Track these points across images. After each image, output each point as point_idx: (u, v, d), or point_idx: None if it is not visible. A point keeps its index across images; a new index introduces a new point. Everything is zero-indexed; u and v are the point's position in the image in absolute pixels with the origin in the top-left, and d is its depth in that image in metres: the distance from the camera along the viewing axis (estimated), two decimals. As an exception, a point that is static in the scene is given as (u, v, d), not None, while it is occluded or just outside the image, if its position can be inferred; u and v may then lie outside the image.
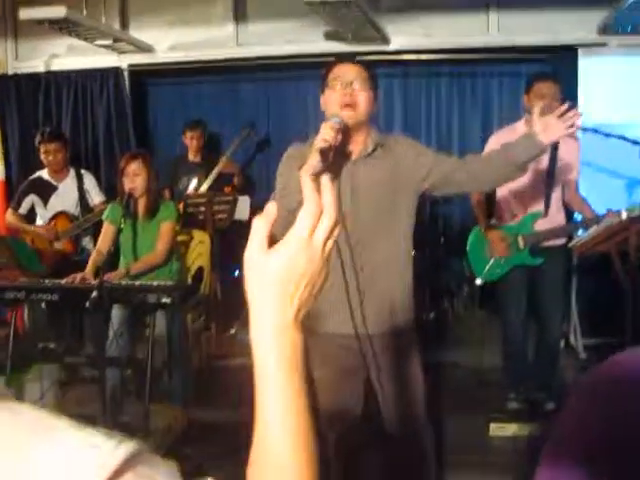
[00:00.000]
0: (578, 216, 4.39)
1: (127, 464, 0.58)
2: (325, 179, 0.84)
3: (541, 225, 3.92)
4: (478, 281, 4.03)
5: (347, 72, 2.51)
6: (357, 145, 2.56)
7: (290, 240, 0.81)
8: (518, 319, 4.01)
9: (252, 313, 0.83)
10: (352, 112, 2.45)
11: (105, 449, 0.58)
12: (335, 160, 2.38)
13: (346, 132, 2.44)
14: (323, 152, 2.27)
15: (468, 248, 4.09)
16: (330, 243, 0.83)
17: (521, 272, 3.95)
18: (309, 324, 2.35)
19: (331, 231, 0.82)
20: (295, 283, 0.81)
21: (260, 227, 0.82)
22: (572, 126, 2.52)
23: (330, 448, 2.69)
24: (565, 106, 2.54)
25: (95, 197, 5.02)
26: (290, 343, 0.81)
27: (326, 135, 2.30)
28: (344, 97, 2.46)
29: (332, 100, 2.50)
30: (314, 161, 2.29)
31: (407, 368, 2.67)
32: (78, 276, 3.75)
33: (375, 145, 2.56)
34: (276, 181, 2.60)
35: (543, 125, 2.49)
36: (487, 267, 3.96)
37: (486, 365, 4.59)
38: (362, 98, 2.49)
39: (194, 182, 5.57)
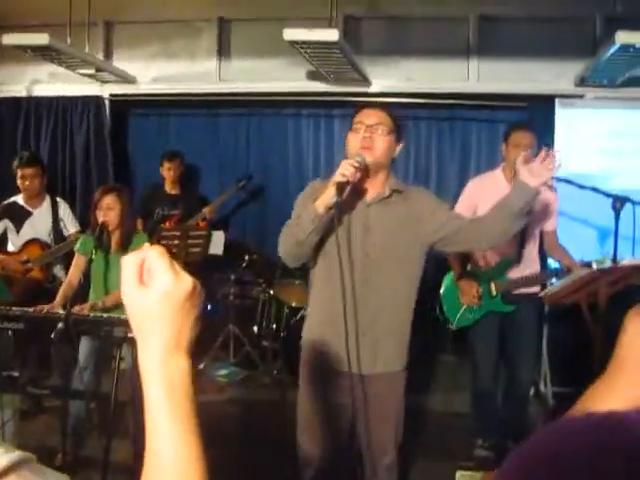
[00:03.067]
0: (552, 264, 4.43)
1: (11, 469, 0.63)
2: None
3: (514, 273, 3.95)
4: (451, 327, 4.05)
5: (370, 116, 2.59)
6: (374, 188, 2.62)
7: (160, 275, 0.85)
8: (488, 365, 4.02)
9: (138, 344, 0.87)
10: (370, 154, 2.52)
11: None
12: (350, 199, 2.45)
13: (364, 174, 2.52)
14: (339, 186, 2.34)
15: (442, 293, 4.11)
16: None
17: (493, 318, 3.97)
18: (307, 355, 2.37)
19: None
20: (172, 313, 0.85)
21: (130, 263, 0.86)
22: (554, 168, 2.58)
23: None
24: (545, 151, 2.61)
25: (70, 226, 4.97)
26: (175, 370, 0.85)
27: (345, 170, 2.37)
28: (364, 140, 2.55)
29: (353, 142, 2.58)
30: (329, 194, 2.35)
31: (393, 410, 2.72)
32: (46, 307, 3.70)
33: (392, 191, 2.61)
34: (292, 210, 2.69)
35: (528, 171, 2.56)
36: (459, 313, 3.98)
37: (454, 410, 4.58)
38: (381, 142, 2.57)
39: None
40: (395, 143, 2.63)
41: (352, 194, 2.48)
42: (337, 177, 2.37)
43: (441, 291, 4.12)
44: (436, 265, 5.71)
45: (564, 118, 5.27)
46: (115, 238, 3.95)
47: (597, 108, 5.31)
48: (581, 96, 5.34)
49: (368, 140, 2.54)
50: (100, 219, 3.86)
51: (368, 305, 2.59)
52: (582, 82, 5.22)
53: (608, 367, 0.94)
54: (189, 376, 0.86)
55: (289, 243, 2.54)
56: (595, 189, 3.50)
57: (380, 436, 2.70)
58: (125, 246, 3.94)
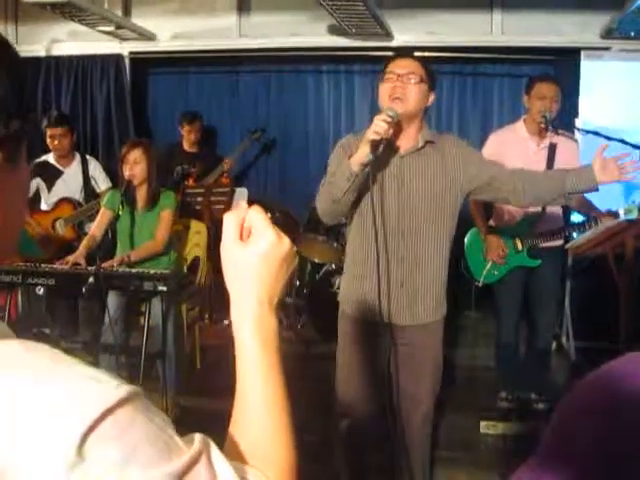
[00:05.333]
0: (577, 218, 4.40)
1: (127, 399, 0.66)
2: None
3: (539, 227, 3.93)
4: (477, 283, 4.05)
5: (401, 66, 2.56)
6: (407, 140, 2.60)
7: (261, 235, 0.88)
8: (513, 320, 4.02)
9: (232, 300, 0.89)
10: (402, 104, 2.49)
11: (108, 385, 0.66)
12: (384, 153, 2.43)
13: (397, 127, 2.49)
14: (373, 144, 2.33)
15: (465, 250, 4.10)
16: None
17: (518, 273, 3.96)
18: (345, 308, 2.39)
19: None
20: (268, 271, 0.88)
21: (232, 220, 0.89)
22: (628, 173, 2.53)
23: (341, 433, 2.79)
24: (626, 153, 2.56)
25: (102, 183, 5.00)
26: (267, 327, 0.88)
27: (378, 127, 2.35)
28: (395, 89, 2.51)
29: (384, 92, 2.55)
30: (364, 152, 2.34)
31: (431, 360, 2.75)
32: (70, 259, 3.73)
33: (425, 141, 2.59)
34: (327, 169, 2.66)
35: (601, 164, 2.50)
36: (485, 269, 3.98)
37: (479, 364, 4.62)
38: (413, 91, 2.53)
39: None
40: (428, 92, 2.59)
41: (386, 148, 2.45)
42: (370, 135, 2.34)
43: (465, 247, 4.11)
44: (461, 222, 5.73)
45: (590, 71, 5.19)
46: (142, 194, 3.95)
47: (624, 60, 5.21)
48: (607, 48, 5.24)
49: (400, 90, 2.50)
50: (127, 173, 3.87)
51: (405, 257, 2.60)
52: (608, 34, 5.11)
53: None
54: (278, 333, 0.89)
55: (326, 202, 2.54)
56: (623, 141, 3.45)
57: (418, 386, 2.74)
58: (153, 202, 3.96)
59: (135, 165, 3.87)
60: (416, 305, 2.66)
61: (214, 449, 0.74)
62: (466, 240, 4.11)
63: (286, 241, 0.89)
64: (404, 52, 2.72)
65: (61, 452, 0.61)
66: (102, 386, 0.66)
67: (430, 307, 2.70)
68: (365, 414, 2.74)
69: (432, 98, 2.63)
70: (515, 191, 2.63)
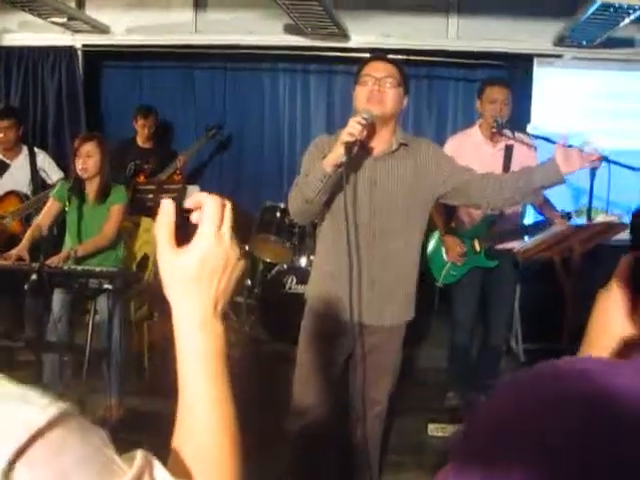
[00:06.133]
0: (529, 220, 4.47)
1: (58, 421, 0.62)
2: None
3: (497, 228, 3.98)
4: (437, 284, 4.09)
5: (378, 69, 2.56)
6: (381, 142, 2.60)
7: (199, 238, 0.85)
8: (468, 319, 4.08)
9: (173, 309, 0.86)
10: (379, 107, 2.50)
11: (37, 406, 0.62)
12: (357, 154, 2.44)
13: (372, 129, 2.50)
14: (347, 145, 2.33)
15: (428, 252, 4.14)
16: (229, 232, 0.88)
17: (476, 274, 4.02)
18: (312, 304, 2.38)
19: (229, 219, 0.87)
20: (209, 277, 0.85)
21: (162, 227, 0.85)
22: (592, 161, 2.57)
23: (295, 432, 2.78)
24: (588, 146, 2.59)
25: (53, 175, 4.91)
26: (211, 336, 0.85)
27: (352, 129, 2.35)
28: (372, 93, 2.52)
29: (361, 95, 2.55)
30: (337, 153, 2.33)
31: (391, 361, 2.79)
32: (13, 253, 3.65)
33: (399, 144, 2.60)
34: (300, 168, 2.65)
35: (564, 155, 2.52)
36: (445, 270, 4.02)
37: (431, 366, 4.65)
38: (390, 95, 2.54)
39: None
40: (403, 96, 2.61)
41: (359, 150, 2.46)
42: (345, 136, 2.34)
43: (428, 250, 4.14)
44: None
45: (542, 77, 5.27)
46: (93, 187, 3.89)
47: (575, 68, 5.32)
48: (560, 56, 5.33)
49: (377, 93, 2.51)
50: (79, 167, 3.80)
51: (376, 259, 2.61)
52: (561, 42, 5.20)
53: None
54: (223, 340, 0.86)
55: (298, 202, 2.54)
56: (570, 146, 3.51)
57: (376, 387, 2.75)
58: (104, 196, 3.90)
59: (88, 159, 3.81)
60: (385, 306, 2.68)
61: (157, 467, 0.71)
62: (430, 242, 4.15)
63: (225, 241, 0.86)
64: (380, 54, 2.72)
65: None
66: (29, 407, 0.62)
67: (399, 309, 2.72)
68: (321, 414, 2.74)
69: (406, 101, 2.65)
70: (486, 195, 2.66)
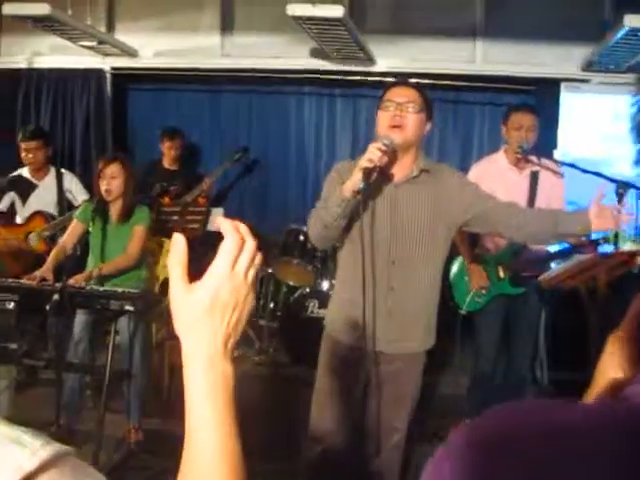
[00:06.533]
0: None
1: (51, 464, 0.61)
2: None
3: (523, 256, 3.92)
4: (461, 311, 4.03)
5: (401, 94, 2.55)
6: (403, 168, 2.58)
7: (212, 275, 0.84)
8: (491, 347, 4.01)
9: (183, 347, 0.85)
10: (400, 133, 2.48)
11: (30, 448, 0.61)
12: (377, 180, 2.41)
13: (393, 155, 2.48)
14: (366, 172, 2.31)
15: (451, 278, 4.09)
16: (252, 272, 0.86)
17: (500, 302, 3.96)
18: (330, 332, 2.34)
19: (252, 260, 0.86)
20: (220, 315, 0.84)
21: (175, 265, 0.84)
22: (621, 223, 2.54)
23: (312, 458, 2.74)
24: (626, 205, 2.58)
25: (79, 196, 4.95)
26: (219, 374, 0.84)
27: (372, 155, 2.34)
28: (394, 118, 2.50)
29: (383, 121, 2.53)
30: (356, 179, 2.31)
31: (410, 390, 2.73)
32: (37, 274, 3.67)
33: (420, 170, 2.57)
34: (321, 193, 2.65)
35: (598, 211, 2.48)
36: (469, 297, 3.97)
37: (452, 393, 4.58)
38: (412, 120, 2.52)
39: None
40: (425, 121, 2.59)
41: (380, 176, 2.44)
42: (364, 162, 2.32)
43: (450, 276, 4.10)
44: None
45: (569, 102, 5.23)
46: (116, 208, 3.91)
47: (603, 93, 5.26)
48: (587, 81, 5.29)
49: (399, 119, 2.49)
50: (103, 188, 3.82)
51: (395, 287, 2.57)
52: (589, 66, 5.16)
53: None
54: (232, 380, 0.85)
55: (317, 227, 2.52)
56: (599, 174, 3.46)
57: (395, 414, 2.71)
58: (127, 217, 3.91)
59: (112, 180, 3.83)
60: (404, 335, 2.63)
61: None
62: (452, 268, 4.11)
63: (239, 278, 0.84)
64: (403, 80, 2.72)
65: None
66: (21, 451, 0.61)
67: (418, 338, 2.67)
68: (338, 441, 2.70)
69: (429, 126, 2.62)
70: (509, 227, 2.62)
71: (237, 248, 0.84)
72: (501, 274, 3.93)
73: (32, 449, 0.61)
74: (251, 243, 0.86)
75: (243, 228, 0.86)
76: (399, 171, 2.58)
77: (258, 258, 0.87)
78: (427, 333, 2.71)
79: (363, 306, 2.42)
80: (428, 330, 2.71)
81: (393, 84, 2.64)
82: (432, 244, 2.61)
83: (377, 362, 2.60)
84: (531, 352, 4.17)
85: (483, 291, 3.93)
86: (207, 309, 0.83)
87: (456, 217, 2.62)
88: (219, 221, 0.86)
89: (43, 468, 0.60)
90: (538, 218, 2.65)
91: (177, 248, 0.84)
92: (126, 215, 3.92)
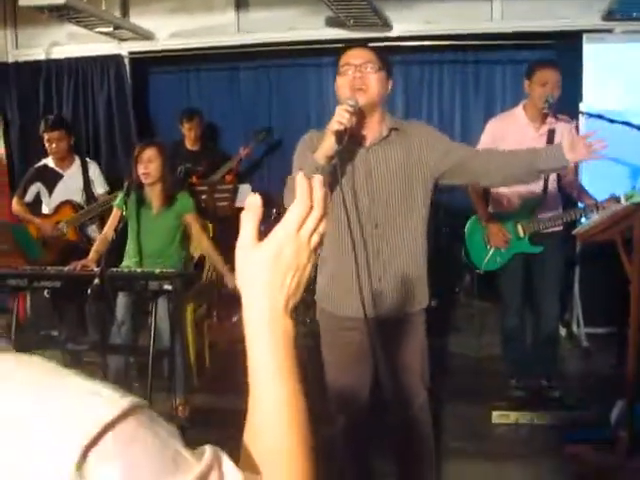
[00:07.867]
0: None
1: (129, 413, 0.63)
2: (317, 178, 0.88)
3: (539, 212, 3.90)
4: (479, 271, 4.03)
5: (357, 56, 2.51)
6: (371, 130, 2.56)
7: (278, 233, 0.85)
8: (517, 306, 4.01)
9: (244, 302, 0.86)
10: (363, 94, 2.45)
11: (109, 399, 0.64)
12: (349, 145, 2.39)
13: (360, 117, 2.45)
14: (338, 134, 2.29)
15: (466, 238, 4.07)
16: (316, 238, 0.87)
17: (520, 260, 3.94)
18: (324, 306, 2.32)
19: (317, 227, 0.87)
20: (282, 273, 0.85)
21: (248, 220, 0.85)
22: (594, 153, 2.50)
23: (339, 431, 2.74)
24: (592, 132, 2.55)
25: (98, 187, 4.99)
26: (281, 330, 0.85)
27: (340, 117, 2.31)
28: (354, 80, 2.47)
29: (344, 85, 2.50)
30: (329, 144, 2.31)
31: (415, 351, 2.69)
32: (80, 263, 3.73)
33: (390, 129, 2.55)
34: (292, 165, 2.61)
35: (571, 144, 2.47)
36: (487, 257, 3.96)
37: (484, 354, 4.59)
38: (373, 80, 2.49)
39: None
40: (387, 80, 2.55)
41: (350, 141, 2.38)
42: (334, 125, 2.30)
43: (465, 235, 4.08)
44: (453, 208, 5.62)
45: (593, 54, 5.13)
46: (156, 193, 3.93)
47: (627, 42, 5.15)
48: (610, 30, 5.18)
49: (359, 80, 2.46)
50: (141, 171, 3.84)
51: (381, 250, 2.55)
52: (610, 15, 5.05)
53: None
54: (293, 337, 0.86)
55: (292, 198, 2.48)
56: (627, 123, 3.43)
57: (407, 378, 2.67)
58: (169, 202, 3.95)
59: (149, 163, 3.85)
60: (396, 296, 2.60)
61: (226, 462, 0.71)
62: (466, 228, 4.09)
63: (303, 242, 0.85)
64: (356, 43, 2.67)
65: (61, 471, 0.59)
66: (101, 400, 0.64)
67: (411, 297, 2.63)
68: (359, 410, 2.70)
69: (391, 85, 2.59)
70: (485, 172, 2.60)
71: (305, 212, 0.85)
72: (520, 232, 3.90)
73: (112, 400, 0.64)
74: (319, 211, 0.86)
75: (317, 194, 0.86)
76: (369, 134, 2.55)
77: (322, 227, 0.87)
78: (420, 292, 2.66)
79: (356, 272, 2.38)
80: (420, 288, 2.66)
81: (347, 47, 2.59)
82: (412, 201, 2.57)
83: (375, 328, 2.54)
84: (559, 307, 4.14)
85: (505, 247, 3.90)
86: (271, 265, 0.84)
87: (431, 170, 2.58)
88: (298, 180, 0.86)
89: (122, 417, 0.63)
90: (512, 158, 2.62)
91: (252, 205, 0.85)
92: (168, 200, 3.95)
